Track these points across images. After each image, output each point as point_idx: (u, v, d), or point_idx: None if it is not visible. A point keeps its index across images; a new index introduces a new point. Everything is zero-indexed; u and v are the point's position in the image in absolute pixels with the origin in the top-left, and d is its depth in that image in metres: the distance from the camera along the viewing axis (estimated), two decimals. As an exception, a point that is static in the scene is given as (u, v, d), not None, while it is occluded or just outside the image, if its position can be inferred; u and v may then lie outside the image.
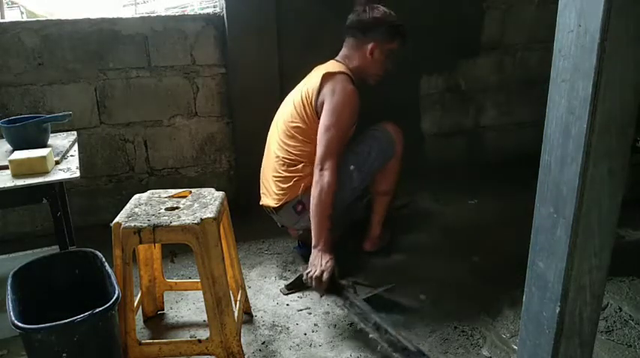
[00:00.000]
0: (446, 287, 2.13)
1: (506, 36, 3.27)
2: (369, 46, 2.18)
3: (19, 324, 1.29)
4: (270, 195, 2.23)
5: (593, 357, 1.09)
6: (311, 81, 2.18)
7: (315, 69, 2.28)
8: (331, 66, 2.20)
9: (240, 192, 2.94)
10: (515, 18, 3.25)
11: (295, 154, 2.13)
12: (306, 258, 2.27)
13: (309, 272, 1.93)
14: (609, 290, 2.06)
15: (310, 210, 2.02)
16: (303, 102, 2.14)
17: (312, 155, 2.07)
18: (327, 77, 2.09)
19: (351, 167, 2.13)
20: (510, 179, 2.92)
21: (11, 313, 1.34)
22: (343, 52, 2.27)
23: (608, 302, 1.98)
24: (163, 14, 2.61)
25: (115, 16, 2.53)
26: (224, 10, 2.62)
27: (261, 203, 2.33)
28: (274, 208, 2.22)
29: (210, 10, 2.69)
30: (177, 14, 2.63)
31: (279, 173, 2.17)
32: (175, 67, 2.67)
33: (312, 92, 2.11)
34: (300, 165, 2.12)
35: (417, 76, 3.19)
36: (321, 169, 2.01)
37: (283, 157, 2.15)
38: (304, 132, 2.12)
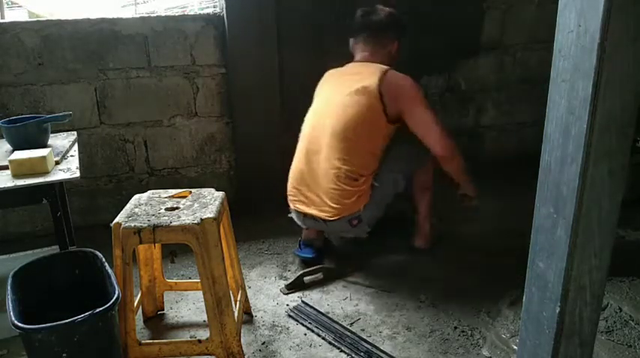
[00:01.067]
0: (446, 287, 2.13)
1: (506, 36, 3.27)
2: (394, 45, 2.25)
3: (19, 324, 1.29)
4: (320, 206, 2.15)
5: (593, 357, 1.08)
6: (356, 85, 2.11)
7: (345, 75, 2.23)
8: (375, 68, 2.15)
9: (240, 192, 2.94)
10: (515, 18, 3.25)
11: (360, 168, 2.10)
12: (305, 263, 2.28)
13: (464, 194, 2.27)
14: (609, 290, 2.06)
15: (458, 168, 2.19)
16: (367, 110, 2.08)
17: (373, 169, 2.12)
18: (387, 79, 2.09)
19: (399, 175, 2.18)
20: (510, 179, 2.92)
21: (11, 313, 1.34)
22: (365, 53, 2.24)
23: (608, 302, 1.98)
24: (163, 14, 2.61)
25: (115, 16, 2.53)
26: (224, 10, 2.62)
27: (300, 210, 2.23)
28: (325, 219, 2.17)
29: (210, 10, 2.69)
30: (177, 14, 2.63)
31: (339, 186, 2.09)
32: (175, 67, 2.67)
33: (375, 97, 2.07)
34: (362, 180, 2.11)
35: (417, 76, 3.19)
36: (445, 143, 2.11)
37: (346, 170, 2.08)
38: (373, 141, 2.12)
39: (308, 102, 2.90)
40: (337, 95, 2.18)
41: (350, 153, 2.09)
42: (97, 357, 1.40)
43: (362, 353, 1.72)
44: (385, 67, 2.15)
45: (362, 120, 2.09)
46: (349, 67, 2.26)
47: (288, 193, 2.29)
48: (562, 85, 0.93)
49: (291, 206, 2.28)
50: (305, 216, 2.23)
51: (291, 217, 2.35)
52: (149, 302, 1.94)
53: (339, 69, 2.29)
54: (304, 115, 2.92)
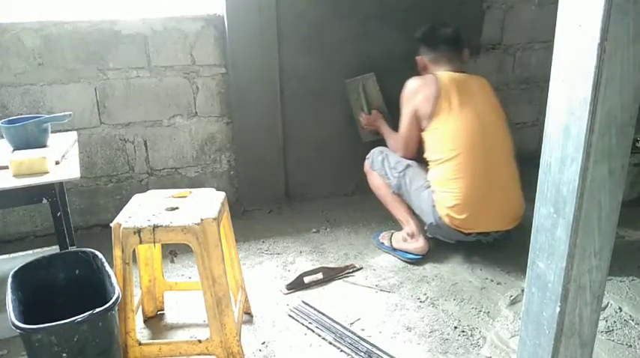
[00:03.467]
0: (446, 287, 2.13)
1: (506, 36, 3.27)
2: (467, 55, 2.45)
3: (19, 324, 1.29)
4: (509, 218, 2.24)
5: (593, 357, 1.08)
6: (486, 92, 2.31)
7: (467, 79, 2.30)
8: (477, 77, 2.36)
9: (240, 192, 2.95)
10: (515, 18, 3.25)
11: None
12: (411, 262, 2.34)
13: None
14: (609, 290, 2.06)
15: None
16: (499, 110, 2.31)
17: None
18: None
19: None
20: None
21: (11, 313, 1.34)
22: (460, 62, 2.38)
23: (608, 302, 1.99)
24: (163, 14, 2.61)
25: (115, 17, 2.53)
26: (224, 10, 2.62)
27: (487, 229, 2.24)
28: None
29: (210, 10, 2.69)
30: (177, 14, 2.63)
31: (520, 190, 2.25)
32: (175, 67, 2.67)
33: (494, 98, 2.33)
34: None
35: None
36: None
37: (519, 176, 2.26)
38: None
39: (308, 102, 2.91)
40: (480, 106, 2.25)
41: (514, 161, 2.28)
42: (97, 357, 1.40)
43: (362, 353, 1.72)
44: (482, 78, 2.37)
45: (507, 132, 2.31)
46: (460, 77, 2.29)
47: (462, 219, 2.17)
48: (562, 85, 0.93)
49: (467, 230, 2.22)
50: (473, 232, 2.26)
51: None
52: (149, 302, 1.94)
53: (449, 76, 2.28)
54: (304, 115, 2.93)
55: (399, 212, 2.41)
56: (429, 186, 2.24)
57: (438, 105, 2.20)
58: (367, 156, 2.52)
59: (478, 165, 2.14)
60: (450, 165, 2.16)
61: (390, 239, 2.44)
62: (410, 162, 2.36)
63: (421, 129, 2.29)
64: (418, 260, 2.32)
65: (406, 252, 2.35)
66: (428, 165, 2.29)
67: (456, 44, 2.37)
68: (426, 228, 2.33)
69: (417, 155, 2.38)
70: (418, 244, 2.33)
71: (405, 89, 2.35)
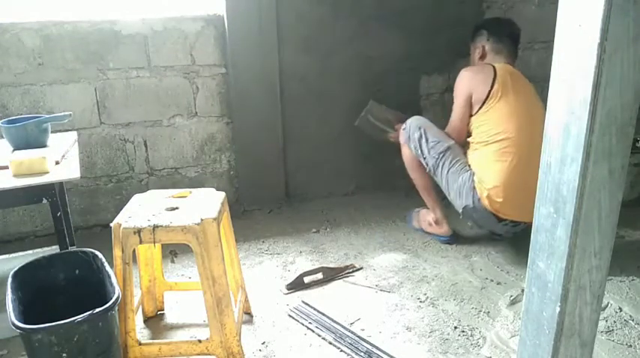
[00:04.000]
0: (446, 287, 2.13)
1: (506, 36, 3.26)
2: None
3: (19, 324, 1.29)
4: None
5: (593, 357, 1.08)
6: (533, 87, 2.36)
7: (515, 75, 2.34)
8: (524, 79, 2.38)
9: (240, 192, 2.95)
10: (515, 18, 3.23)
11: None
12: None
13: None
14: (609, 290, 2.06)
15: None
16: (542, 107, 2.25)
17: None
18: None
19: None
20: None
21: (11, 313, 1.34)
22: (514, 60, 2.43)
23: (608, 302, 1.99)
24: (163, 14, 2.61)
25: (115, 17, 2.53)
26: (224, 10, 2.62)
27: (520, 218, 2.24)
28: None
29: (210, 10, 2.69)
30: (177, 14, 2.63)
31: None
32: (175, 67, 2.67)
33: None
34: None
35: (416, 76, 3.19)
36: None
37: None
38: None
39: (308, 102, 2.91)
40: (532, 100, 2.29)
41: None
42: (96, 357, 1.40)
43: (362, 353, 1.72)
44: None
45: None
46: (517, 72, 2.35)
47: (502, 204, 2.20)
48: (562, 85, 0.93)
49: (504, 215, 2.24)
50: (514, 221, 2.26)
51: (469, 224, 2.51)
52: (149, 302, 1.94)
53: (505, 67, 2.33)
54: (304, 115, 2.93)
55: (429, 198, 2.50)
56: (469, 169, 2.29)
57: (494, 89, 2.24)
58: (403, 127, 2.48)
59: (522, 151, 2.16)
60: (495, 148, 2.20)
61: (419, 220, 2.62)
62: (450, 143, 2.35)
63: (471, 115, 2.33)
64: (449, 241, 2.49)
65: (436, 235, 2.53)
66: (468, 148, 2.35)
67: (518, 42, 2.44)
68: (461, 211, 2.34)
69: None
70: (443, 229, 2.50)
71: (460, 76, 2.37)
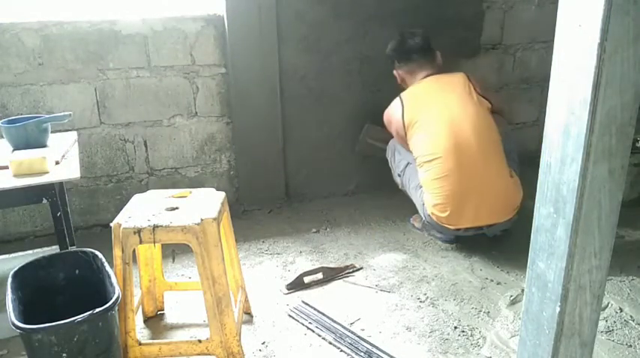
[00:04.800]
0: (446, 287, 2.13)
1: (506, 36, 3.27)
2: (438, 55, 2.49)
3: (19, 324, 1.29)
4: (498, 211, 2.26)
5: (593, 357, 1.08)
6: (460, 88, 2.32)
7: (439, 81, 2.39)
8: (453, 75, 2.40)
9: (240, 192, 2.94)
10: (515, 18, 3.25)
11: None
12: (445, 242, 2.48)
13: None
14: (609, 290, 2.06)
15: None
16: (478, 103, 2.29)
17: None
18: (469, 78, 2.38)
19: None
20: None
21: (11, 313, 1.34)
22: (435, 65, 2.45)
23: (608, 302, 1.99)
24: (163, 14, 2.61)
25: (115, 17, 2.53)
26: (224, 10, 2.62)
27: (474, 224, 2.26)
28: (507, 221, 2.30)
29: (210, 10, 2.69)
30: (177, 14, 2.63)
31: (509, 180, 2.27)
32: (175, 67, 2.67)
33: (472, 91, 2.31)
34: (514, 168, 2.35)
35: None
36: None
37: (506, 164, 2.28)
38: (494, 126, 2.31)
39: (308, 102, 2.91)
40: (455, 101, 2.29)
41: (500, 149, 2.28)
42: (96, 357, 1.40)
43: (362, 353, 1.72)
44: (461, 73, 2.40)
45: (486, 115, 2.31)
46: (434, 80, 2.39)
47: (448, 215, 2.24)
48: (562, 85, 0.93)
49: (453, 226, 2.27)
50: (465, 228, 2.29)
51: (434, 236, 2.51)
52: (149, 302, 1.94)
53: (423, 86, 2.39)
54: (304, 115, 2.93)
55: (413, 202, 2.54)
56: (421, 186, 2.35)
57: (405, 121, 2.33)
58: (389, 145, 2.64)
59: (459, 162, 2.20)
60: (431, 167, 2.25)
61: (415, 219, 2.66)
62: (410, 159, 2.42)
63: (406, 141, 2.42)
64: (449, 241, 2.47)
65: (435, 236, 2.53)
66: None
67: (427, 51, 2.45)
68: (421, 226, 2.49)
69: None
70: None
71: (384, 118, 2.51)
